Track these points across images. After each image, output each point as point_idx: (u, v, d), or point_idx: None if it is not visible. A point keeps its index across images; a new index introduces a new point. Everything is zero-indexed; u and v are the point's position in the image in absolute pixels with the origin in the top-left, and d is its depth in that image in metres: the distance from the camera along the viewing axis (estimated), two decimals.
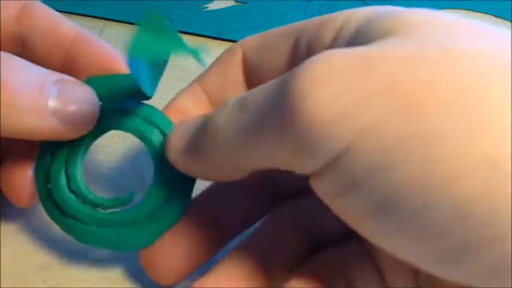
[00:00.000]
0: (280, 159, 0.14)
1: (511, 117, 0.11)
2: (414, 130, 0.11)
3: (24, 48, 0.21)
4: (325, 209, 0.14)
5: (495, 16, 0.37)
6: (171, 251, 0.19)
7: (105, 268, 0.22)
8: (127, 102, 0.20)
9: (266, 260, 0.18)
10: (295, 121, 0.13)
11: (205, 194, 0.20)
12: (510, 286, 0.12)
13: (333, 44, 0.16)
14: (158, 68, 0.20)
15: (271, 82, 0.14)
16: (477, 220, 0.11)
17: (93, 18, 0.39)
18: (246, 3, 0.41)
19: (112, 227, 0.20)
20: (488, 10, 0.38)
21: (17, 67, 0.17)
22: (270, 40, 0.19)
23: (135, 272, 0.22)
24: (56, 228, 0.20)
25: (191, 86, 0.21)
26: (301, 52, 0.17)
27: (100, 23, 0.38)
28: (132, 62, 0.17)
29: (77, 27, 0.21)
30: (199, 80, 0.21)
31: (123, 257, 0.22)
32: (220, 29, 0.37)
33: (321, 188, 0.14)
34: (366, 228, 0.14)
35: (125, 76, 0.20)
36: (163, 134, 0.20)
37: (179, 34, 0.17)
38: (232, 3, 0.40)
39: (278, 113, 0.13)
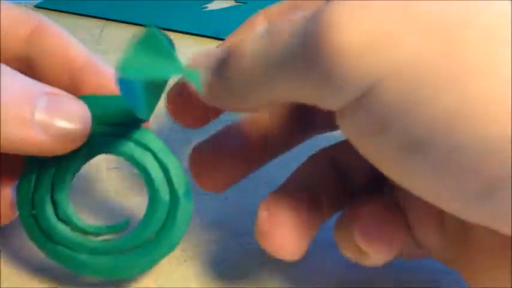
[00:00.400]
0: (306, 92, 0.14)
1: None
2: (453, 65, 0.11)
3: (30, 68, 0.21)
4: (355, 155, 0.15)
5: None
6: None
7: None
8: (120, 125, 0.19)
9: (315, 195, 0.19)
10: (324, 52, 0.12)
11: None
12: None
13: None
14: (155, 91, 0.18)
15: (302, 13, 0.14)
16: (507, 158, 0.11)
17: (93, 18, 0.39)
18: (246, 3, 0.41)
19: (106, 255, 0.19)
20: None
21: (7, 76, 0.17)
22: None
23: None
24: None
25: (255, 17, 0.20)
26: None
27: (100, 23, 0.38)
28: (124, 83, 0.16)
29: (87, 53, 0.21)
30: (264, 12, 0.20)
31: None
32: (220, 29, 0.37)
33: (349, 126, 0.14)
34: (393, 169, 0.14)
35: (120, 97, 0.18)
36: (157, 159, 0.19)
37: (177, 56, 0.16)
38: (232, 3, 0.40)
39: (307, 44, 0.13)
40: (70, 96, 0.18)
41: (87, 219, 0.24)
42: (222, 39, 0.36)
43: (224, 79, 0.16)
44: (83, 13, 0.39)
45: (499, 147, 0.11)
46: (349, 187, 0.19)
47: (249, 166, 0.20)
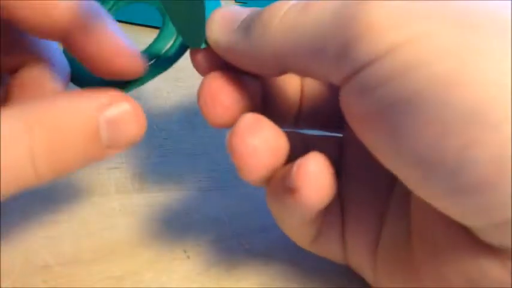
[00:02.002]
0: (323, 60, 0.15)
1: None
2: (464, 44, 0.13)
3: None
4: None
5: None
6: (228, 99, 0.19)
7: (105, 268, 0.22)
8: None
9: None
10: (354, 26, 0.14)
11: None
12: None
13: None
14: None
15: None
16: (490, 123, 0.13)
17: None
18: (245, 3, 0.41)
19: None
20: None
21: (61, 107, 0.17)
22: None
23: (135, 272, 0.22)
24: (55, 229, 0.20)
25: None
26: None
27: None
28: None
29: (75, 6, 0.18)
30: None
31: (123, 257, 0.22)
32: None
33: (353, 90, 0.15)
34: (380, 128, 0.15)
35: None
36: None
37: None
38: (233, 3, 0.40)
39: (339, 21, 0.15)
40: (128, 111, 0.18)
41: (87, 217, 0.24)
42: None
43: (248, 39, 0.17)
44: None
45: (481, 110, 0.13)
46: None
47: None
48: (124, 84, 0.20)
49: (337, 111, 0.21)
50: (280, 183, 0.18)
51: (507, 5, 0.14)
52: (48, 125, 0.16)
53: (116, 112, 0.17)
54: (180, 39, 0.21)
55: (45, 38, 0.18)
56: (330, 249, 0.20)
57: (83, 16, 0.18)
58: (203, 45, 0.19)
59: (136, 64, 0.19)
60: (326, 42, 0.15)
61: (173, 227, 0.24)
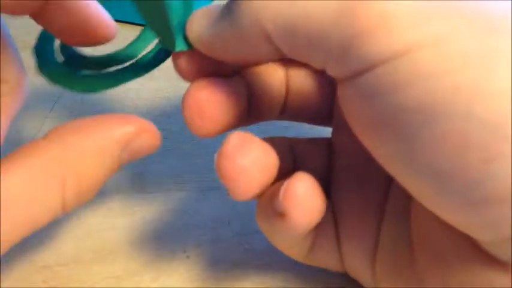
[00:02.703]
0: (326, 53, 0.14)
1: None
2: (486, 48, 0.12)
3: None
4: None
5: None
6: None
7: (105, 268, 0.22)
8: None
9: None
10: (366, 18, 0.13)
11: None
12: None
13: None
14: None
15: None
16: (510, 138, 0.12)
17: None
18: None
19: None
20: None
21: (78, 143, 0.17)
22: None
23: (135, 272, 0.22)
24: (55, 229, 0.20)
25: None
26: None
27: None
28: None
29: None
30: None
31: (123, 257, 0.22)
32: None
33: (359, 90, 0.14)
34: (388, 135, 0.14)
35: None
36: None
37: None
38: None
39: (347, 11, 0.13)
40: (146, 138, 0.18)
41: (87, 217, 0.24)
42: None
43: (231, 21, 0.15)
44: None
45: (506, 122, 0.12)
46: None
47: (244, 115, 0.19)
48: (94, 84, 0.19)
49: (323, 104, 0.20)
50: (269, 203, 0.17)
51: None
52: (78, 173, 0.16)
53: (136, 145, 0.18)
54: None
55: (17, 14, 0.18)
56: (326, 259, 0.20)
57: None
58: (178, 47, 0.17)
59: (108, 29, 0.19)
60: (329, 28, 0.13)
61: (173, 227, 0.24)
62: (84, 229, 0.23)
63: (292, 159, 0.19)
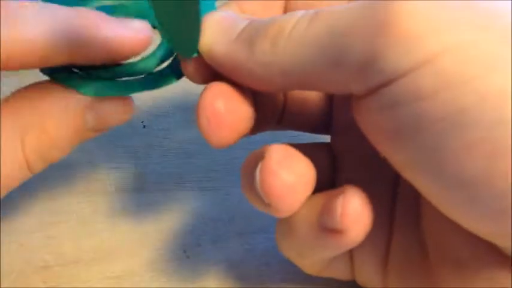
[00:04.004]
0: (338, 75, 0.14)
1: None
2: (507, 53, 0.12)
3: None
4: None
5: None
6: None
7: (105, 268, 0.22)
8: None
9: None
10: (384, 35, 0.13)
11: None
12: None
13: None
14: None
15: (349, 5, 0.14)
16: None
17: None
18: None
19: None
20: None
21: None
22: None
23: (135, 272, 0.22)
24: (55, 228, 0.20)
25: (230, 5, 0.19)
26: None
27: None
28: None
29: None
30: (238, 3, 0.19)
31: (123, 257, 0.22)
32: None
33: (380, 103, 0.14)
34: (412, 149, 0.14)
35: None
36: None
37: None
38: None
39: (361, 30, 0.13)
40: (114, 103, 0.18)
41: (87, 217, 0.24)
42: None
43: (252, 55, 0.15)
44: None
45: None
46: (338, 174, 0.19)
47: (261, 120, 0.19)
48: (103, 89, 0.18)
49: (322, 113, 0.20)
50: (309, 220, 0.16)
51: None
52: (38, 128, 0.16)
53: (105, 109, 0.17)
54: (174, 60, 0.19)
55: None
56: (338, 270, 0.19)
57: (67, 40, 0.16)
58: (195, 54, 0.17)
59: (142, 40, 0.17)
60: (346, 52, 0.14)
61: (173, 227, 0.24)
62: (84, 229, 0.23)
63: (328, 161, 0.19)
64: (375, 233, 0.18)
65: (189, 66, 0.17)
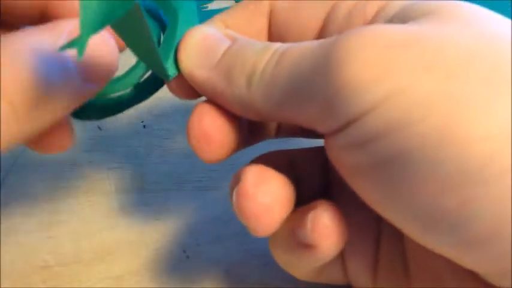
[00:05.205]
0: (305, 116, 0.15)
1: None
2: (449, 95, 0.12)
3: None
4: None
5: None
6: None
7: (105, 268, 0.22)
8: None
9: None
10: (334, 81, 0.13)
11: None
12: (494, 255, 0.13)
13: (376, 19, 0.16)
14: None
15: (310, 44, 0.15)
16: (488, 179, 0.12)
17: None
18: None
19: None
20: (488, 10, 0.38)
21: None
22: (305, 1, 0.18)
23: (135, 272, 0.22)
24: (56, 229, 0.20)
25: (214, 21, 0.19)
26: (339, 20, 0.17)
27: None
28: None
29: None
30: (221, 18, 0.19)
31: (123, 257, 0.22)
32: None
33: (340, 143, 0.14)
34: (372, 183, 0.14)
35: None
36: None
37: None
38: (233, 3, 0.40)
39: (318, 74, 0.14)
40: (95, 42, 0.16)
41: (87, 217, 0.24)
42: None
43: (230, 88, 0.16)
44: None
45: (477, 166, 0.12)
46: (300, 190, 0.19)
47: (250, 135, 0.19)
48: (93, 113, 0.18)
49: None
50: (290, 235, 0.17)
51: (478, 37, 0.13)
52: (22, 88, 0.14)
53: (92, 54, 0.15)
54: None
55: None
56: (333, 276, 0.20)
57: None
58: (170, 74, 0.17)
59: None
60: (308, 97, 0.14)
61: (173, 227, 0.24)
62: (84, 229, 0.23)
63: (293, 173, 0.19)
64: (363, 242, 0.19)
65: (170, 85, 0.18)
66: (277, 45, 0.16)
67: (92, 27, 0.11)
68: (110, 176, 0.25)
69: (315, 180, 0.20)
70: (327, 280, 0.20)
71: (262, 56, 0.15)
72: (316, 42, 0.15)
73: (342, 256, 0.19)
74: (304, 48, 0.15)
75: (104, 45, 0.16)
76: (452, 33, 0.13)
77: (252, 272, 0.22)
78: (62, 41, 0.15)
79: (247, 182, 0.16)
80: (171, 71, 0.17)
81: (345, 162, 0.15)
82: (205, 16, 0.42)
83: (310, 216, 0.16)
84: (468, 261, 0.14)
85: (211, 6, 0.39)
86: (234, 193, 0.16)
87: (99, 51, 0.15)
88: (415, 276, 0.17)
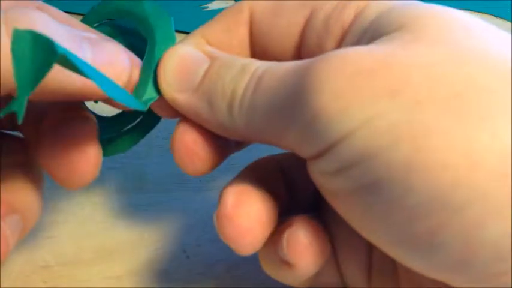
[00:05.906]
0: (286, 141, 0.15)
1: (506, 123, 0.12)
2: (413, 123, 0.12)
3: None
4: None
5: (495, 16, 0.37)
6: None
7: (105, 268, 0.22)
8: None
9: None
10: (306, 111, 0.14)
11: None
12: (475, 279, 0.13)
13: (352, 25, 0.16)
14: None
15: (286, 69, 0.15)
16: (453, 207, 0.12)
17: None
18: None
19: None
20: (488, 10, 0.38)
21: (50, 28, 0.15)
22: (284, 7, 0.18)
23: (135, 272, 0.22)
24: (56, 229, 0.20)
25: (194, 36, 0.19)
26: (317, 26, 0.17)
27: None
28: None
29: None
30: (201, 32, 0.19)
31: (123, 257, 0.22)
32: None
33: (318, 169, 0.15)
34: (350, 207, 0.15)
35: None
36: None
37: None
38: (233, 3, 0.40)
39: (293, 102, 0.14)
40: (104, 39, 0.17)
41: (87, 217, 0.24)
42: None
43: (212, 114, 0.16)
44: (84, 13, 0.39)
45: (439, 195, 0.12)
46: (293, 197, 0.19)
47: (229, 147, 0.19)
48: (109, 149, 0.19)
49: None
50: (273, 252, 0.17)
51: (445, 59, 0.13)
52: None
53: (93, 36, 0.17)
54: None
55: None
56: (328, 281, 0.20)
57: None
58: (149, 102, 0.17)
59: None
60: (286, 125, 0.15)
61: (173, 227, 0.24)
62: (84, 229, 0.23)
63: (282, 179, 0.19)
64: (356, 248, 0.19)
65: (152, 105, 0.18)
66: (255, 65, 0.16)
67: (26, 88, 0.12)
68: (110, 176, 0.25)
69: (308, 184, 0.20)
70: (324, 285, 0.20)
71: (240, 81, 0.16)
72: (291, 67, 0.15)
73: (336, 261, 0.19)
74: (281, 73, 0.15)
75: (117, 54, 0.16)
76: (420, 55, 0.13)
77: (252, 272, 0.22)
78: None
79: (227, 203, 0.16)
80: (152, 93, 0.17)
81: (325, 187, 0.15)
82: (205, 16, 0.42)
83: (286, 234, 0.16)
84: (451, 282, 0.14)
85: (211, 6, 0.39)
86: (214, 215, 0.17)
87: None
88: (403, 285, 0.18)
